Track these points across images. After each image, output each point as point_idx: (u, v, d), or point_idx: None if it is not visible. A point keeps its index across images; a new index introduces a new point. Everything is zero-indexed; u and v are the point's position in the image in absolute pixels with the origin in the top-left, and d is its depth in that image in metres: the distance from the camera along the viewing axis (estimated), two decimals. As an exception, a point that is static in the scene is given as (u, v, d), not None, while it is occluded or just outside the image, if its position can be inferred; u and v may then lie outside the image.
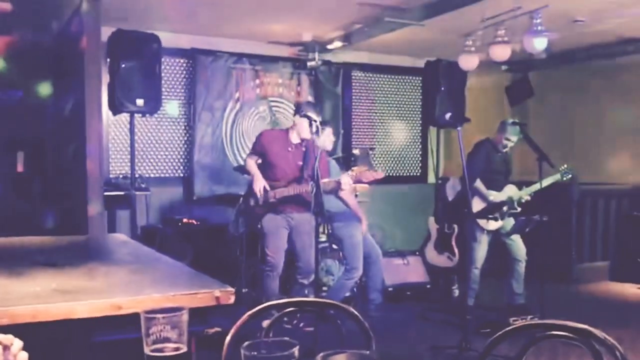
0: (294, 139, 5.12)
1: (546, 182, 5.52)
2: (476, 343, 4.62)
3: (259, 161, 5.20)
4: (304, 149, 5.13)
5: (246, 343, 1.18)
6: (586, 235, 7.67)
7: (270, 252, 5.08)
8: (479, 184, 5.63)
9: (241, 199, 5.32)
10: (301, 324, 5.08)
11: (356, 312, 2.03)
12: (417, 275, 6.60)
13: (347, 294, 5.77)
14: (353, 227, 5.56)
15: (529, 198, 5.64)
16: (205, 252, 6.09)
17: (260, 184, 5.04)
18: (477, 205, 5.63)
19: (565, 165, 5.63)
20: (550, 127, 8.25)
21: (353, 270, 5.52)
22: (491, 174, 5.69)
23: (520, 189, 5.72)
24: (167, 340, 1.28)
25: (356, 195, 6.24)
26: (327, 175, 5.12)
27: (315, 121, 4.86)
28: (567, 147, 7.80)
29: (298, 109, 5.16)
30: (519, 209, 5.65)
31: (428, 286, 6.64)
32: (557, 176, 5.59)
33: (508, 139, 5.62)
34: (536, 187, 5.52)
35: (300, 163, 5.11)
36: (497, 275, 5.97)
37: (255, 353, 1.16)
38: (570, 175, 5.63)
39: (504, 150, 5.73)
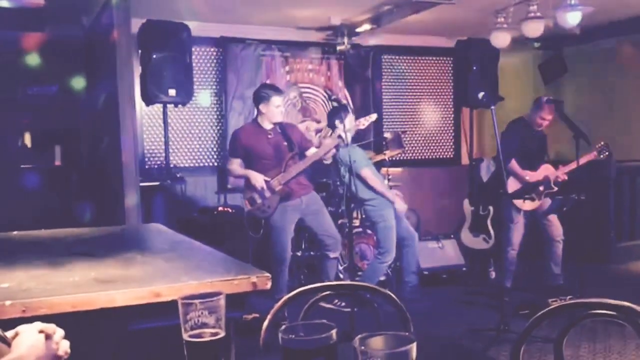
0: (267, 125, 5.06)
1: (582, 160, 5.41)
2: (515, 325, 4.57)
3: (242, 163, 5.16)
4: (279, 130, 5.09)
5: (284, 326, 1.17)
6: (625, 213, 7.51)
7: (280, 247, 5.07)
8: (513, 164, 5.55)
9: (246, 202, 5.18)
10: (342, 304, 5.05)
11: (392, 295, 2.02)
12: (452, 259, 6.55)
13: (382, 278, 5.76)
14: (385, 211, 5.53)
15: (565, 177, 5.54)
16: (242, 240, 6.12)
17: (259, 178, 4.98)
18: (512, 185, 5.55)
19: (602, 143, 5.51)
20: (585, 103, 8.09)
21: (386, 254, 5.49)
22: (526, 154, 5.60)
23: (556, 168, 5.62)
24: (205, 325, 1.28)
25: (389, 180, 6.23)
26: (308, 145, 5.15)
27: (343, 105, 4.88)
28: (603, 123, 7.63)
29: (258, 97, 5.05)
30: (556, 189, 5.56)
31: (464, 269, 6.58)
32: (594, 154, 5.48)
33: (543, 118, 5.53)
34: (573, 165, 5.42)
35: (285, 144, 5.06)
36: (534, 256, 5.89)
37: (293, 336, 1.16)
38: (607, 152, 5.50)
39: (539, 129, 5.63)
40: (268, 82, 7.16)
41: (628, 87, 7.98)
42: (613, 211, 7.33)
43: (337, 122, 5.17)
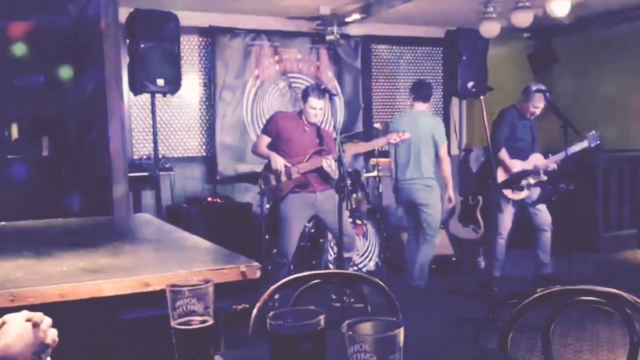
0: (306, 120, 5.14)
1: (573, 149, 5.43)
2: (504, 314, 4.61)
3: (269, 144, 5.18)
4: (316, 129, 5.19)
5: (272, 312, 1.18)
6: (613, 203, 7.56)
7: (284, 240, 5.08)
8: (503, 152, 5.57)
9: (260, 180, 5.22)
10: (352, 300, 4.99)
11: (382, 283, 2.03)
12: (442, 248, 6.56)
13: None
14: None
15: (555, 167, 5.56)
16: (231, 230, 6.13)
17: (280, 161, 5.02)
18: (501, 175, 5.58)
19: (593, 132, 5.52)
20: (574, 93, 8.13)
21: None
22: (517, 142, 5.62)
23: (546, 157, 5.65)
24: (193, 313, 1.28)
25: (378, 170, 6.24)
26: (335, 151, 5.07)
27: (333, 94, 4.90)
28: (592, 113, 7.67)
29: (304, 93, 5.13)
30: (545, 178, 5.58)
31: (453, 259, 6.62)
32: (585, 143, 5.49)
33: (535, 107, 5.54)
34: (563, 155, 5.44)
35: (317, 140, 5.15)
36: (523, 246, 5.93)
37: (281, 322, 1.16)
38: (598, 142, 5.52)
39: (531, 118, 5.64)
40: (257, 72, 7.15)
41: (615, 78, 8.02)
42: (601, 201, 7.38)
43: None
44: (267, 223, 5.93)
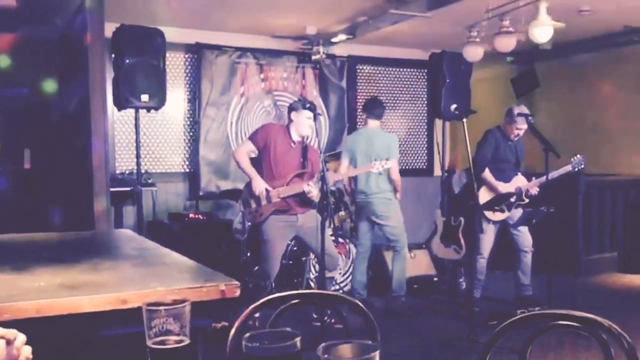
0: (294, 136, 5.03)
1: (557, 173, 5.47)
2: (484, 335, 4.61)
3: (252, 154, 5.10)
4: (302, 145, 5.09)
5: (248, 334, 1.17)
6: (593, 226, 7.62)
7: (267, 262, 5.00)
8: (487, 173, 5.60)
9: (240, 202, 5.17)
10: (332, 320, 4.96)
11: (361, 304, 2.02)
12: (423, 268, 6.60)
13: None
14: None
15: (537, 190, 5.60)
16: (212, 246, 6.10)
17: (261, 185, 4.93)
18: (484, 196, 5.61)
19: (578, 156, 5.55)
20: (556, 118, 8.21)
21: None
22: (500, 163, 5.66)
23: (529, 179, 5.69)
24: (169, 332, 1.27)
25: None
26: (319, 168, 5.05)
27: (318, 114, 4.88)
28: (573, 138, 7.75)
29: (294, 105, 5.06)
30: (527, 200, 5.62)
31: (435, 279, 6.63)
32: (568, 167, 5.53)
33: (519, 129, 5.58)
34: (543, 179, 5.48)
35: (301, 159, 5.06)
36: (504, 267, 5.95)
37: (257, 344, 1.16)
38: (582, 166, 5.55)
39: (515, 139, 5.69)
40: (242, 89, 7.16)
41: (596, 103, 8.12)
42: (582, 224, 7.43)
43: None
44: (248, 240, 5.91)
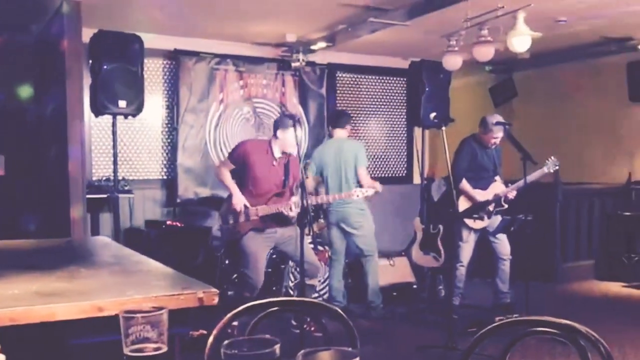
0: (277, 152, 4.93)
1: (534, 176, 5.52)
2: (463, 343, 4.62)
3: (232, 170, 5.01)
4: (285, 161, 4.98)
5: (227, 341, 1.17)
6: (571, 234, 7.70)
7: (250, 273, 4.91)
8: (464, 184, 5.63)
9: (219, 216, 5.13)
10: (312, 328, 4.90)
11: (340, 312, 2.02)
12: (403, 276, 6.61)
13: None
14: None
15: (514, 195, 5.64)
16: (190, 254, 6.06)
17: (241, 201, 4.86)
18: (462, 204, 5.65)
19: (552, 158, 5.59)
20: (534, 127, 8.30)
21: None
22: (478, 171, 5.68)
23: (507, 186, 5.74)
24: (147, 340, 1.26)
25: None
26: (298, 180, 4.93)
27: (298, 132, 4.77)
28: (550, 147, 7.83)
29: (282, 122, 4.92)
30: (506, 206, 5.67)
31: (414, 286, 6.65)
32: (544, 169, 5.58)
33: (495, 137, 5.62)
34: (521, 183, 5.54)
35: (283, 178, 4.97)
36: (483, 275, 5.99)
37: (236, 351, 1.15)
38: (557, 167, 5.59)
39: (492, 147, 5.72)
40: (221, 96, 7.14)
41: (573, 112, 8.23)
42: (559, 232, 7.51)
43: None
44: (227, 248, 5.88)
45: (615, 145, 7.91)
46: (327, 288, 6.16)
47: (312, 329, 4.87)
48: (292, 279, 5.96)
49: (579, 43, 7.28)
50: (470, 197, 5.68)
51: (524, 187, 5.50)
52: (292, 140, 4.79)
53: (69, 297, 2.10)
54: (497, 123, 5.58)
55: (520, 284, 5.46)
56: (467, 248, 5.71)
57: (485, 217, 5.66)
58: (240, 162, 4.93)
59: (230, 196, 4.95)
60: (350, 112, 8.09)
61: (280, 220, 4.96)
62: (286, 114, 5.42)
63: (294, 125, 4.74)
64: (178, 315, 1.46)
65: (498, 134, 5.60)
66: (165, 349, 1.28)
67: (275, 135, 4.94)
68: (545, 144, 7.75)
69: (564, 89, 8.33)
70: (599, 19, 6.18)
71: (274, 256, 5.94)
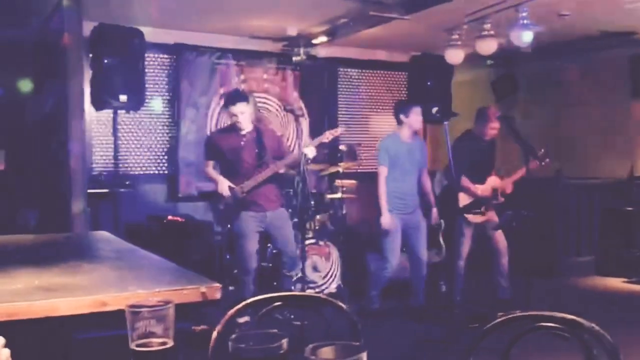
0: (241, 129, 5.08)
1: (527, 168, 5.48)
2: (464, 338, 4.63)
3: (215, 165, 5.24)
4: (254, 135, 5.12)
5: (234, 335, 1.17)
6: (571, 229, 7.70)
7: (243, 256, 5.09)
8: (464, 180, 5.61)
9: (212, 208, 5.36)
10: (291, 316, 5.00)
11: (344, 306, 2.02)
12: (404, 271, 6.59)
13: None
14: None
15: (511, 188, 5.65)
16: (191, 249, 6.06)
17: (225, 184, 5.06)
18: (462, 199, 5.64)
19: (542, 150, 5.56)
20: (535, 121, 8.28)
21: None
22: (476, 166, 5.68)
23: (503, 179, 5.75)
24: (152, 334, 1.26)
25: (342, 192, 6.26)
26: (283, 154, 5.12)
27: (299, 115, 4.94)
28: (551, 141, 7.82)
29: (224, 103, 5.21)
30: (502, 200, 5.67)
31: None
32: (536, 162, 5.53)
33: (493, 128, 5.61)
34: (518, 175, 5.54)
35: (257, 150, 5.09)
36: (484, 270, 5.98)
37: (244, 345, 1.15)
38: (547, 159, 5.56)
39: (489, 140, 5.71)
40: (222, 90, 7.13)
41: (575, 107, 8.21)
42: (560, 227, 7.51)
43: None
44: (228, 243, 5.89)
45: (618, 139, 7.89)
46: (327, 283, 6.16)
47: (292, 316, 4.91)
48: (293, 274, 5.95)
49: (582, 37, 7.26)
50: (471, 193, 5.67)
51: (522, 181, 5.49)
52: (233, 118, 5.01)
53: (72, 291, 2.09)
54: (499, 117, 5.56)
55: (520, 279, 5.46)
56: (465, 243, 5.71)
57: (485, 212, 5.66)
58: (214, 154, 5.19)
59: (216, 185, 5.14)
60: (352, 106, 8.12)
61: (269, 196, 5.09)
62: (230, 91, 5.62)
63: (238, 100, 5.01)
64: (180, 311, 1.46)
65: (495, 125, 5.60)
66: (171, 343, 1.28)
67: (230, 112, 5.09)
68: (546, 138, 7.73)
69: (566, 83, 8.32)
70: (602, 13, 6.17)
71: (274, 251, 5.91)
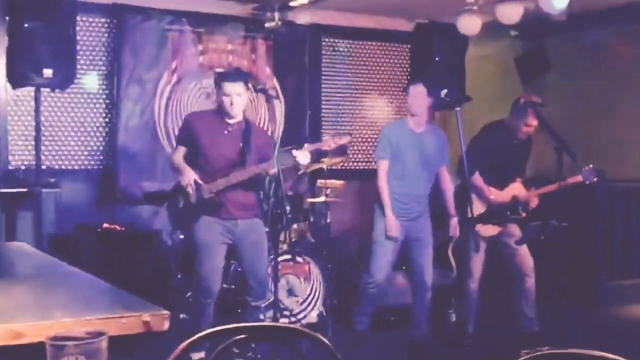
0: (228, 117, 5.02)
1: (563, 184, 5.51)
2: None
3: (187, 153, 5.11)
4: (243, 126, 5.07)
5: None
6: (617, 245, 7.73)
7: (204, 273, 4.97)
8: (477, 177, 5.59)
9: (166, 206, 5.23)
10: (258, 355, 4.99)
11: (325, 340, 2.03)
12: (402, 295, 6.60)
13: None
14: None
15: (536, 202, 5.65)
16: (133, 266, 6.05)
17: (191, 176, 4.93)
18: (477, 207, 5.64)
19: (591, 165, 5.60)
20: (572, 109, 8.31)
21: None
22: (500, 165, 5.67)
23: (529, 188, 5.73)
24: (80, 375, 1.26)
25: (327, 194, 6.27)
26: (271, 156, 5.01)
27: (272, 96, 4.91)
28: (593, 134, 7.85)
29: (216, 82, 5.13)
30: (524, 215, 5.65)
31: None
32: (578, 177, 5.58)
33: (529, 125, 5.58)
34: (550, 188, 5.54)
35: (240, 145, 5.02)
36: (504, 295, 6.01)
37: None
38: (595, 178, 5.59)
39: (523, 138, 5.70)
40: (174, 64, 7.12)
41: (622, 90, 8.24)
42: (602, 242, 7.53)
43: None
44: (180, 258, 5.88)
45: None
46: (306, 311, 6.17)
47: (259, 357, 4.94)
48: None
49: (625, 2, 7.30)
50: (480, 195, 5.63)
51: (555, 190, 5.50)
52: (225, 98, 4.92)
53: (-22, 319, 2.09)
54: (525, 103, 5.55)
55: (550, 308, 5.49)
56: (477, 260, 5.70)
57: (498, 223, 5.66)
58: (188, 139, 5.07)
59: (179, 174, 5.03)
60: (340, 86, 8.13)
61: (243, 202, 5.03)
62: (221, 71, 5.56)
63: (232, 79, 4.95)
64: (116, 344, 1.46)
65: (532, 122, 5.53)
66: (103, 386, 1.28)
67: (223, 91, 4.98)
68: (585, 130, 7.77)
69: (608, 60, 8.36)
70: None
71: (239, 269, 5.90)
